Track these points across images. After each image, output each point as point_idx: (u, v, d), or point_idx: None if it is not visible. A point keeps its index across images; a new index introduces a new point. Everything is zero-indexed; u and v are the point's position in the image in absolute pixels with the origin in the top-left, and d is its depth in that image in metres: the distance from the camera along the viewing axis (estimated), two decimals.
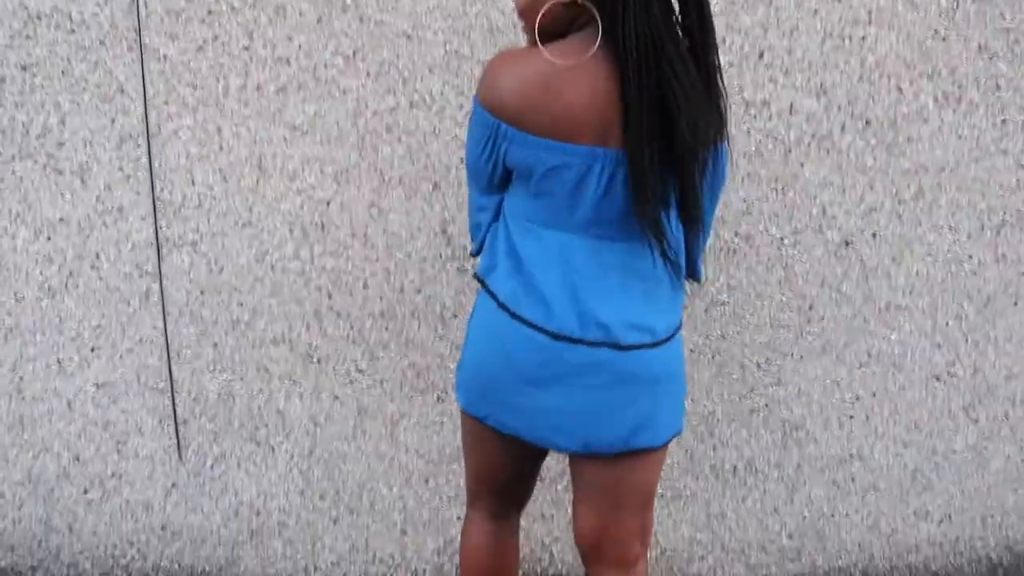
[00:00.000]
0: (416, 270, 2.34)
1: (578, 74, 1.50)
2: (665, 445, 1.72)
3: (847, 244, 2.38)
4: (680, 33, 1.50)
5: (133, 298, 2.32)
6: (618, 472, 1.71)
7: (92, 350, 2.33)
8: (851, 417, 2.48)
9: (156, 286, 2.31)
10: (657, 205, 1.53)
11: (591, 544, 1.79)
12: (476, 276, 1.73)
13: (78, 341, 2.33)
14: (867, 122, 2.32)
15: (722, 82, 1.56)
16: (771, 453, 2.50)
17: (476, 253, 1.79)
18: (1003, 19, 2.29)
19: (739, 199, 2.34)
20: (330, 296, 2.34)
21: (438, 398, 2.41)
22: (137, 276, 2.31)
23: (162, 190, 2.27)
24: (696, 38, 1.51)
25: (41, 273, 2.29)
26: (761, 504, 2.54)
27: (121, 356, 2.34)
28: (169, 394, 2.36)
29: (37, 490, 2.42)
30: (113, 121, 2.24)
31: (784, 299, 2.41)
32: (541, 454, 1.85)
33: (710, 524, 2.55)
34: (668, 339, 1.66)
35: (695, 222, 1.62)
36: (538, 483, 2.35)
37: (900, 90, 2.31)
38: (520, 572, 2.07)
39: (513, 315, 1.63)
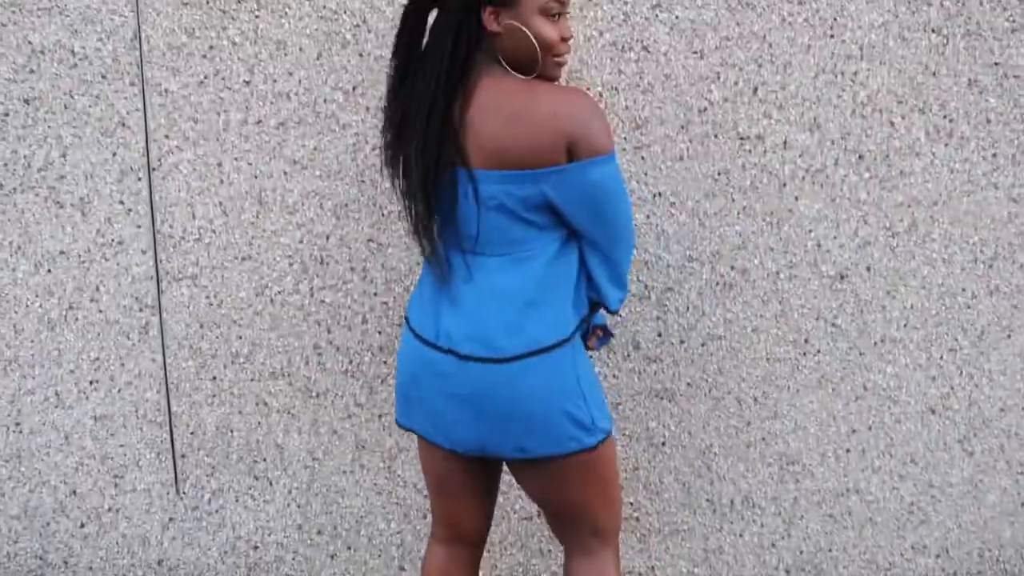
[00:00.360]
0: None
1: None
2: (568, 459, 1.69)
3: (842, 278, 2.32)
4: None
5: (132, 331, 2.24)
6: (533, 481, 1.76)
7: (91, 383, 2.26)
8: (847, 450, 2.41)
9: (155, 319, 2.24)
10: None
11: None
12: None
13: (76, 374, 2.25)
14: (860, 156, 2.27)
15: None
16: (768, 487, 2.42)
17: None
18: (992, 54, 2.25)
19: (734, 233, 2.29)
20: (329, 330, 2.27)
21: None
22: (137, 309, 2.24)
23: (162, 223, 2.21)
24: None
25: (41, 306, 2.22)
26: (758, 538, 2.45)
27: (119, 389, 2.26)
28: (167, 427, 2.28)
29: (33, 524, 2.32)
30: (114, 154, 2.18)
31: (780, 333, 2.34)
32: (477, 468, 1.82)
33: (707, 559, 2.46)
34: (519, 357, 1.64)
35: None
36: (536, 518, 2.27)
37: (892, 124, 2.26)
38: None
39: (408, 326, 1.75)
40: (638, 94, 2.22)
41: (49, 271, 2.20)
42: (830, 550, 2.46)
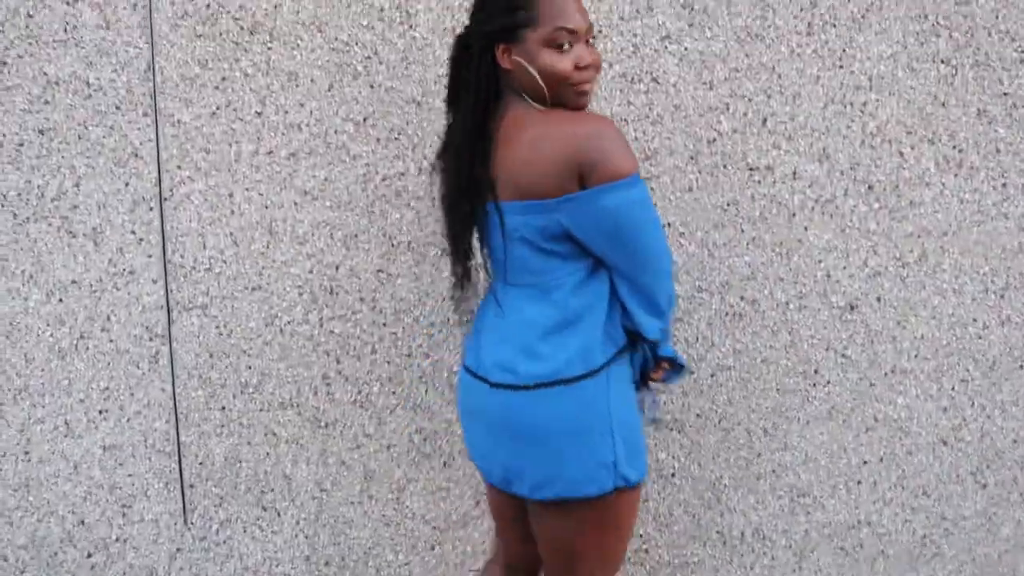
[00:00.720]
0: (424, 335, 2.21)
1: None
2: (572, 505, 1.61)
3: (852, 308, 2.25)
4: None
5: (142, 361, 2.18)
6: (536, 519, 1.69)
7: (100, 412, 2.19)
8: (859, 482, 2.32)
9: (165, 349, 2.18)
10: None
11: None
12: None
13: (86, 403, 2.19)
14: (870, 187, 2.21)
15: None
16: (779, 519, 2.33)
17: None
18: (1001, 84, 2.20)
19: (744, 264, 2.22)
20: (338, 360, 2.20)
21: (445, 463, 2.25)
22: (147, 339, 2.18)
23: (173, 253, 2.15)
24: None
25: (52, 335, 2.16)
26: (769, 571, 2.36)
27: (129, 419, 2.20)
28: (176, 457, 2.21)
29: (40, 554, 2.25)
30: (127, 184, 2.13)
31: (790, 364, 2.27)
32: (516, 499, 1.76)
33: None
34: (535, 387, 1.59)
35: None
36: None
37: (902, 155, 2.20)
38: None
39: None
40: (647, 125, 2.17)
41: (61, 300, 2.15)
42: None
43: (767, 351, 2.26)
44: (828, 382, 2.27)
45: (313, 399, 2.21)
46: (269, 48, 2.12)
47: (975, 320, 2.28)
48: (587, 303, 1.61)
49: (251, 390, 2.20)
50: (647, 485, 2.29)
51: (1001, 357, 2.29)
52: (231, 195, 2.15)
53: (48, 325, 2.15)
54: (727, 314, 2.23)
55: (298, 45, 2.12)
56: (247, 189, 2.15)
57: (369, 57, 2.12)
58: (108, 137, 2.12)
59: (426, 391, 2.22)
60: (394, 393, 2.22)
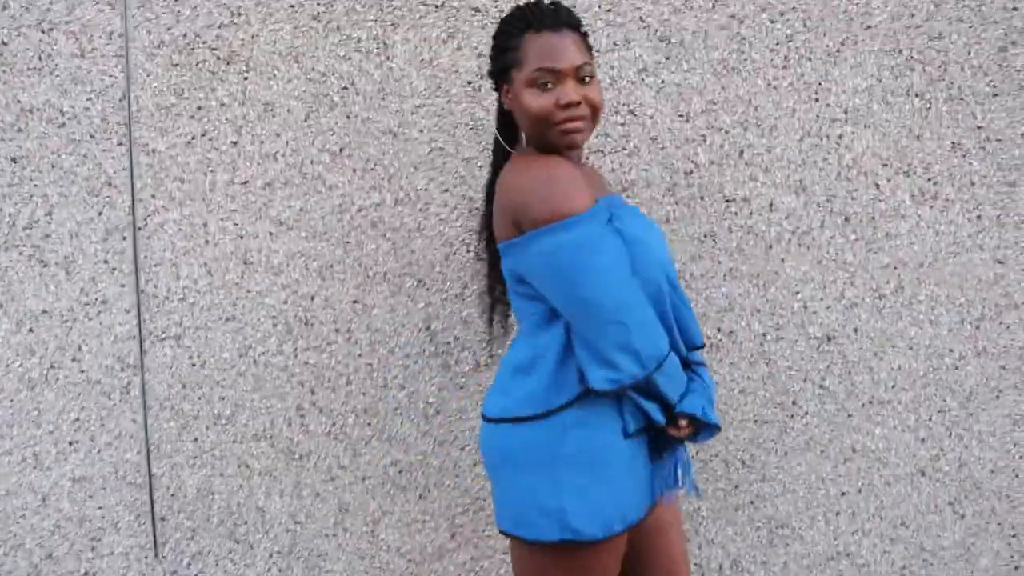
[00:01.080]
0: (399, 366, 2.18)
1: None
2: (513, 537, 1.60)
3: (829, 339, 2.24)
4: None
5: (114, 391, 2.14)
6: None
7: (70, 444, 2.14)
8: (837, 513, 2.30)
9: (137, 379, 2.14)
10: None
11: None
12: None
13: (56, 434, 2.14)
14: (846, 218, 2.20)
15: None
16: (757, 551, 2.30)
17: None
18: (974, 118, 2.20)
19: (721, 295, 2.20)
20: (313, 392, 2.17)
21: (420, 496, 2.21)
22: (119, 369, 2.13)
23: (146, 283, 2.12)
24: None
25: (21, 365, 2.12)
26: None
27: (99, 450, 2.15)
28: (147, 489, 2.16)
29: None
30: (100, 213, 2.10)
31: (767, 395, 2.25)
32: None
33: None
34: (496, 420, 1.61)
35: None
36: None
37: (877, 187, 2.20)
38: None
39: None
40: (624, 157, 2.16)
41: (31, 330, 2.11)
42: None
43: (745, 382, 2.24)
44: (806, 413, 2.25)
45: (287, 430, 2.17)
46: (245, 78, 2.09)
47: (951, 351, 2.26)
48: (542, 347, 1.58)
49: (224, 421, 2.16)
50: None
51: (977, 387, 2.28)
52: (206, 225, 2.11)
53: (17, 355, 2.11)
54: (704, 345, 2.21)
55: (275, 75, 2.10)
56: (222, 219, 2.11)
57: (346, 88, 2.10)
58: (81, 166, 2.09)
59: (401, 423, 2.19)
60: (369, 425, 2.18)
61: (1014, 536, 2.34)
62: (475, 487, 2.23)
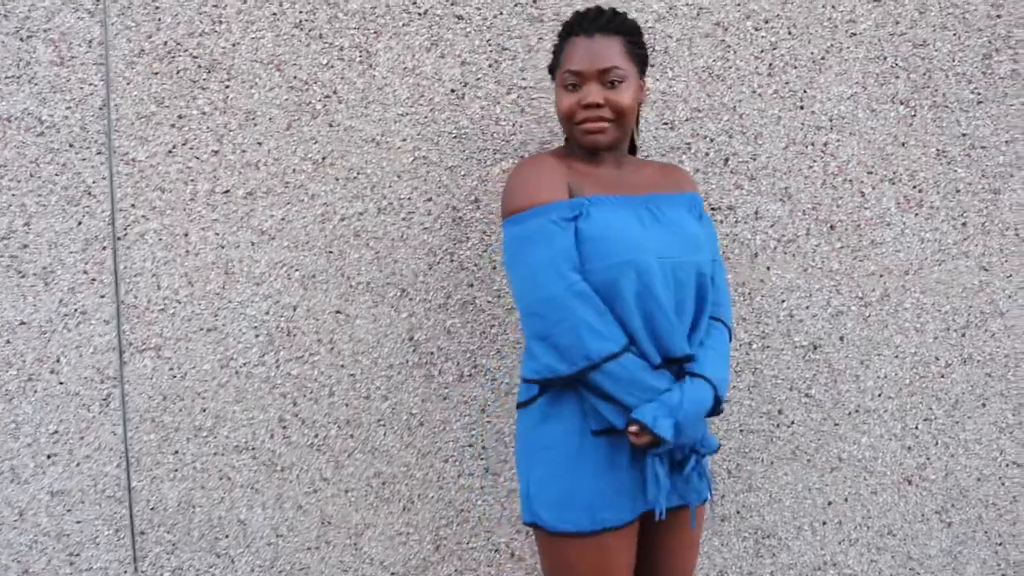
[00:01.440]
0: (382, 377, 2.15)
1: None
2: (531, 527, 1.71)
3: (815, 348, 2.22)
4: None
5: (93, 404, 2.10)
6: None
7: (48, 457, 2.10)
8: (824, 523, 2.28)
9: (117, 391, 2.10)
10: None
11: None
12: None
13: (34, 447, 2.10)
14: (832, 226, 2.19)
15: None
16: (744, 561, 2.28)
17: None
18: (959, 126, 2.19)
19: None
20: (295, 403, 2.13)
21: (404, 508, 2.18)
22: (98, 381, 2.10)
23: (126, 293, 2.08)
24: None
25: None
26: None
27: (78, 463, 2.11)
28: (127, 503, 2.12)
29: None
30: (79, 223, 2.06)
31: (753, 404, 2.23)
32: None
33: None
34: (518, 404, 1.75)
35: None
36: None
37: (863, 194, 2.18)
38: None
39: None
40: None
41: (8, 342, 2.07)
42: None
43: (730, 391, 2.22)
44: (792, 422, 2.23)
45: (269, 442, 2.14)
46: (227, 86, 2.07)
47: (937, 359, 2.25)
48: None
49: (205, 433, 2.12)
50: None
51: (963, 395, 2.27)
52: (186, 234, 2.08)
53: None
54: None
55: (256, 83, 2.07)
56: (203, 228, 2.08)
57: (328, 96, 2.08)
58: (60, 175, 2.05)
59: (384, 434, 2.16)
60: (352, 436, 2.15)
61: (1000, 544, 2.32)
62: (459, 499, 2.20)
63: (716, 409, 1.65)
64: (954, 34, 2.18)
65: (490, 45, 2.10)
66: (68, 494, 2.12)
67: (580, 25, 1.67)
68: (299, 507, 2.17)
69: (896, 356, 2.25)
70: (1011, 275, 2.24)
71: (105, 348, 2.10)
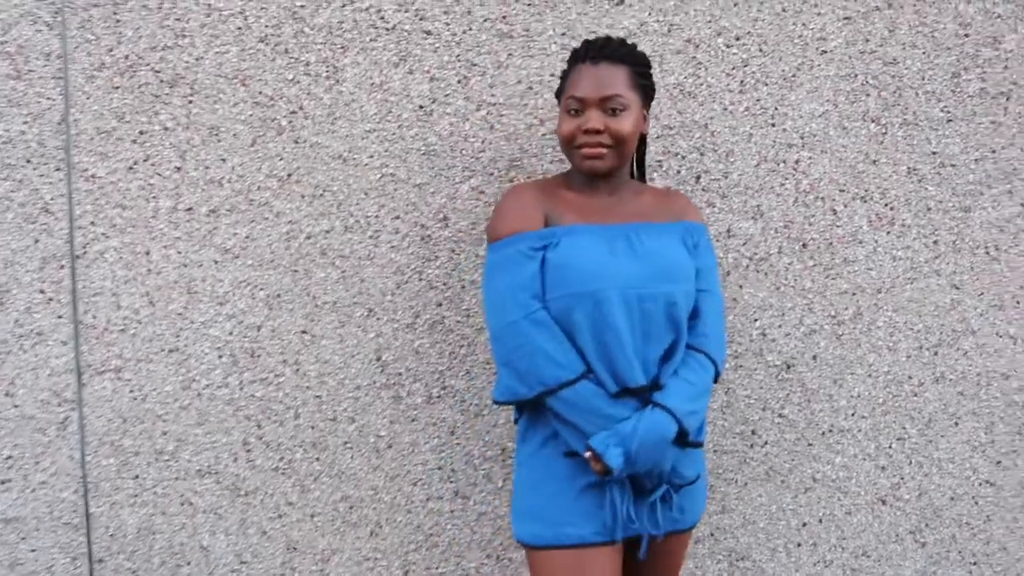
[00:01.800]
0: (349, 399, 2.10)
1: None
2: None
3: (788, 367, 2.20)
4: None
5: (49, 427, 2.03)
6: None
7: (1, 483, 2.03)
8: (798, 544, 2.25)
9: (75, 414, 2.04)
10: None
11: None
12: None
13: None
14: (804, 244, 2.17)
15: None
16: None
17: None
18: (929, 144, 2.18)
19: None
20: (259, 425, 2.08)
21: (372, 532, 2.13)
22: (55, 404, 2.03)
23: (85, 313, 2.02)
24: None
25: None
26: None
27: (33, 489, 2.04)
28: (84, 530, 2.05)
29: None
30: (36, 241, 2.00)
31: (727, 424, 2.20)
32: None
33: None
34: None
35: None
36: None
37: (835, 212, 2.17)
38: None
39: None
40: None
41: None
42: None
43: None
44: (765, 442, 2.21)
45: (232, 466, 2.08)
46: (190, 101, 2.02)
47: (910, 377, 2.23)
48: None
49: (166, 457, 2.06)
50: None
51: (936, 414, 2.25)
52: (147, 253, 2.03)
53: None
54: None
55: (220, 99, 2.02)
56: (165, 247, 2.03)
57: (294, 112, 2.04)
58: (17, 191, 1.99)
59: (351, 457, 2.11)
60: (318, 459, 2.10)
61: (975, 564, 2.31)
62: (428, 523, 2.14)
63: (689, 440, 1.64)
64: (923, 52, 2.18)
65: (459, 61, 2.07)
66: (22, 521, 2.05)
67: (587, 53, 1.70)
68: (263, 533, 2.11)
69: (869, 375, 2.23)
70: (982, 293, 2.23)
71: (63, 370, 2.03)
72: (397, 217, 2.08)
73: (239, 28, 2.03)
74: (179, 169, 2.04)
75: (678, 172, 2.13)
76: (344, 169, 2.06)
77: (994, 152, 2.21)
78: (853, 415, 2.23)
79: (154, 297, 2.04)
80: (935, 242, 2.21)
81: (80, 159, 2.01)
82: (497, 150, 2.09)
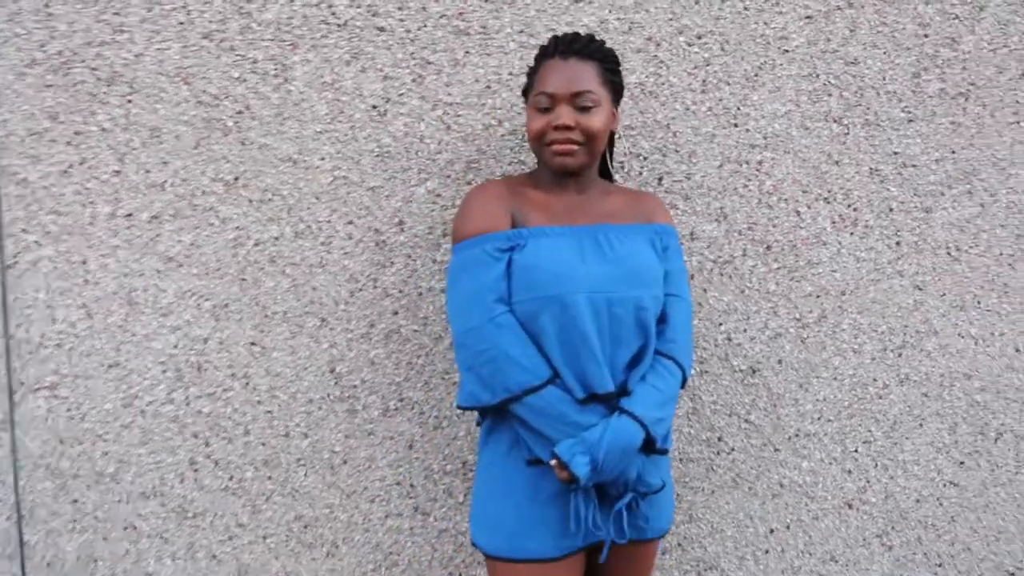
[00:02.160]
0: (302, 413, 2.00)
1: None
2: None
3: (754, 372, 2.16)
4: None
5: None
6: None
7: None
8: (766, 551, 2.21)
9: (7, 435, 1.91)
10: None
11: None
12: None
13: None
14: (768, 247, 2.13)
15: None
16: None
17: None
18: (891, 144, 2.17)
19: None
20: (207, 443, 1.97)
21: (328, 553, 2.04)
22: None
23: (17, 327, 1.90)
24: None
25: None
26: None
27: None
28: (18, 560, 1.92)
29: None
30: None
31: (693, 432, 2.15)
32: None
33: None
34: None
35: None
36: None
37: (798, 214, 2.14)
38: None
39: None
40: None
41: None
42: None
43: None
44: (732, 449, 2.16)
45: (179, 487, 1.97)
46: (128, 101, 1.91)
47: (875, 379, 2.21)
48: None
49: (108, 479, 1.94)
50: None
51: (901, 416, 2.23)
52: (85, 262, 1.91)
53: None
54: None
55: (161, 98, 1.92)
56: (103, 255, 1.91)
57: (240, 112, 1.94)
58: None
59: (305, 474, 2.01)
60: (270, 478, 2.00)
61: (939, 565, 2.29)
62: (387, 541, 2.06)
63: (655, 448, 1.62)
64: (884, 52, 2.16)
65: (414, 59, 1.99)
66: None
67: (556, 48, 1.66)
68: (213, 556, 2.00)
69: (835, 378, 2.20)
70: (944, 293, 2.22)
71: None
72: (350, 222, 1.99)
73: (181, 23, 1.92)
74: (118, 173, 1.92)
75: (640, 173, 2.08)
76: (294, 172, 1.97)
77: (954, 152, 2.20)
78: (819, 419, 2.20)
79: (92, 309, 1.92)
80: (898, 243, 2.19)
81: (10, 162, 1.89)
82: (454, 151, 2.02)
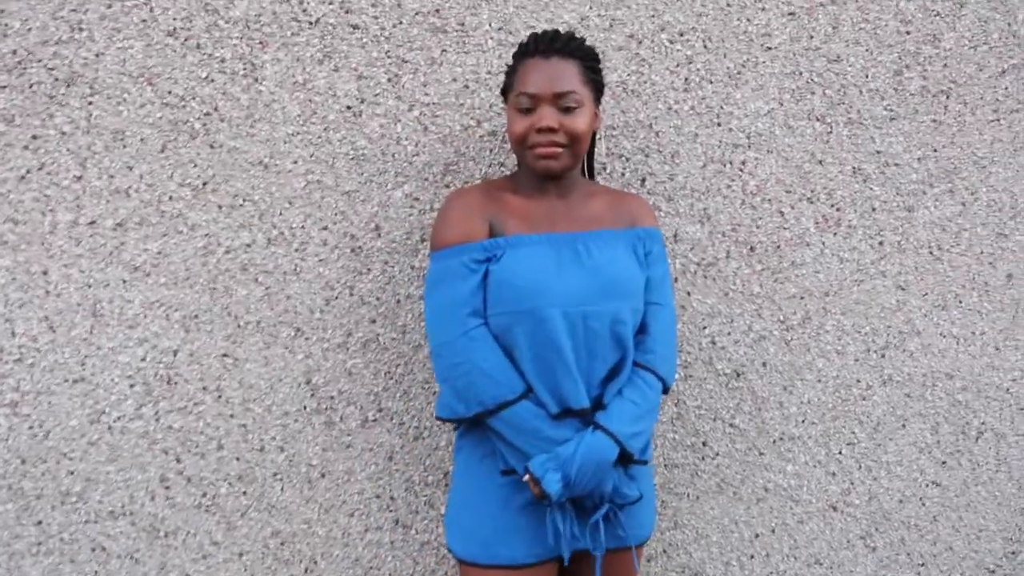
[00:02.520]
0: (277, 426, 1.94)
1: None
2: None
3: (738, 375, 2.13)
4: None
5: None
6: None
7: None
8: (751, 556, 2.19)
9: None
10: None
11: None
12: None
13: None
14: (752, 248, 2.10)
15: None
16: None
17: None
18: (873, 142, 2.15)
19: None
20: (178, 459, 1.90)
21: (307, 569, 1.97)
22: None
23: None
24: None
25: None
26: None
27: None
28: None
29: None
30: None
31: (677, 437, 2.12)
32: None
33: None
34: None
35: None
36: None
37: (782, 214, 2.11)
38: None
39: None
40: None
41: None
42: None
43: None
44: (717, 454, 2.13)
45: (149, 505, 1.90)
46: (90, 103, 1.83)
47: (859, 381, 2.20)
48: None
49: (74, 499, 1.87)
50: None
51: (884, 417, 2.22)
52: (45, 272, 1.83)
53: None
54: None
55: (124, 99, 1.84)
56: (65, 265, 1.83)
57: (208, 114, 1.86)
58: None
59: (282, 489, 1.95)
60: (245, 493, 1.93)
61: (922, 565, 2.29)
62: (367, 556, 2.00)
63: (632, 460, 1.60)
64: (866, 50, 2.13)
65: (389, 57, 1.93)
66: None
67: (537, 47, 1.62)
68: None
69: (819, 380, 2.18)
70: (926, 293, 2.21)
71: None
72: (325, 228, 1.92)
73: (144, 20, 1.84)
74: (79, 178, 1.84)
75: (622, 174, 2.03)
76: (265, 176, 1.89)
77: (935, 151, 2.18)
78: (803, 422, 2.18)
79: (54, 322, 1.84)
80: (880, 243, 2.18)
81: None
82: (432, 153, 1.96)
